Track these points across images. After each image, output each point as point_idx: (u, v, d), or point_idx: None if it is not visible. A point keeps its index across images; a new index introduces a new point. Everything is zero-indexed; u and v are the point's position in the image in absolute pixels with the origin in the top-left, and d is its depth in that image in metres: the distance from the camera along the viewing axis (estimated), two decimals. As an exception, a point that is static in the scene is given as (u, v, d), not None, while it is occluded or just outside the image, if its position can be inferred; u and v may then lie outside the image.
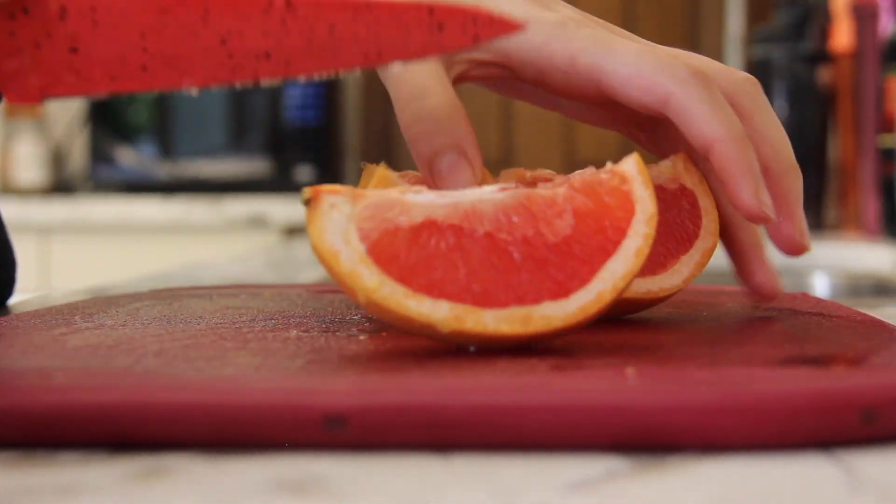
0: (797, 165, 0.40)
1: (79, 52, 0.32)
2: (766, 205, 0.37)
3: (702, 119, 0.37)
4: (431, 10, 0.31)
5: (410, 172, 0.42)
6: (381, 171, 0.40)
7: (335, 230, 0.31)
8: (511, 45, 0.40)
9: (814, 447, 0.26)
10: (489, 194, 0.33)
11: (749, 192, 0.36)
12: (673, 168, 0.42)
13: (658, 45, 0.40)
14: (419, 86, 0.39)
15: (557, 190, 0.34)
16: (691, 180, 0.41)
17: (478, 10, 0.31)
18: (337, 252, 0.31)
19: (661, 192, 0.40)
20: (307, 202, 0.32)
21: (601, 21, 0.42)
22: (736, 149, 0.36)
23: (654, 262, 0.40)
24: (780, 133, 0.40)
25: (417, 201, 0.33)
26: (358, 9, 0.31)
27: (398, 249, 0.32)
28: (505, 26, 0.32)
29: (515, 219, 0.33)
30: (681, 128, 0.38)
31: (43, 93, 0.33)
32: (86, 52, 0.32)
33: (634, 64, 0.38)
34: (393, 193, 0.33)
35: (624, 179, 0.34)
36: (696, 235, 0.41)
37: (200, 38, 0.32)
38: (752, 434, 0.26)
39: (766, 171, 0.38)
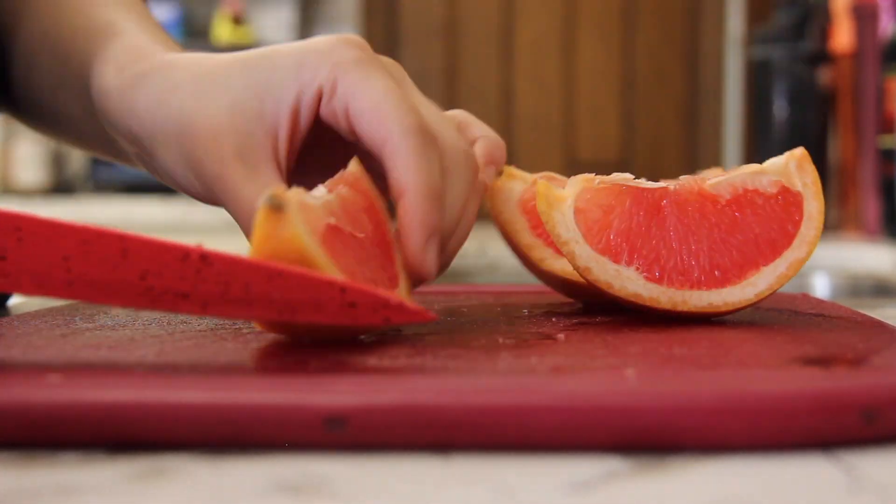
0: (464, 237, 0.41)
1: (6, 260, 0.33)
2: (428, 262, 0.38)
3: (404, 168, 0.38)
4: (343, 289, 0.32)
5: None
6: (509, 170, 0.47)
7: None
8: None
9: (814, 447, 0.26)
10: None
11: (416, 246, 0.37)
12: (784, 167, 0.40)
13: (427, 103, 0.41)
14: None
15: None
16: (802, 181, 0.40)
17: (388, 297, 0.33)
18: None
19: (754, 197, 0.40)
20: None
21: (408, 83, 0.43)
22: (421, 204, 0.37)
23: (725, 272, 0.39)
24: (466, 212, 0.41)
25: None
26: (272, 275, 0.32)
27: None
28: (415, 315, 0.33)
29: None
30: (386, 170, 0.38)
31: None
32: (13, 262, 0.33)
33: (378, 99, 0.39)
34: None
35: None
36: (786, 245, 0.40)
37: (120, 270, 0.33)
38: (752, 434, 0.26)
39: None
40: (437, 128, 0.40)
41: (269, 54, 0.41)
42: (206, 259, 0.32)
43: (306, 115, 0.40)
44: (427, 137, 0.38)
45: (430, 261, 0.38)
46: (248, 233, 0.39)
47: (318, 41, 0.41)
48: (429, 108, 0.41)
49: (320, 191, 0.37)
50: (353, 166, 0.40)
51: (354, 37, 0.41)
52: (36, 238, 0.33)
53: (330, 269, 0.33)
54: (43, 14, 0.53)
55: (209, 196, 0.42)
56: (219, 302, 0.33)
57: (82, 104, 0.49)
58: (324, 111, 0.40)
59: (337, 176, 0.39)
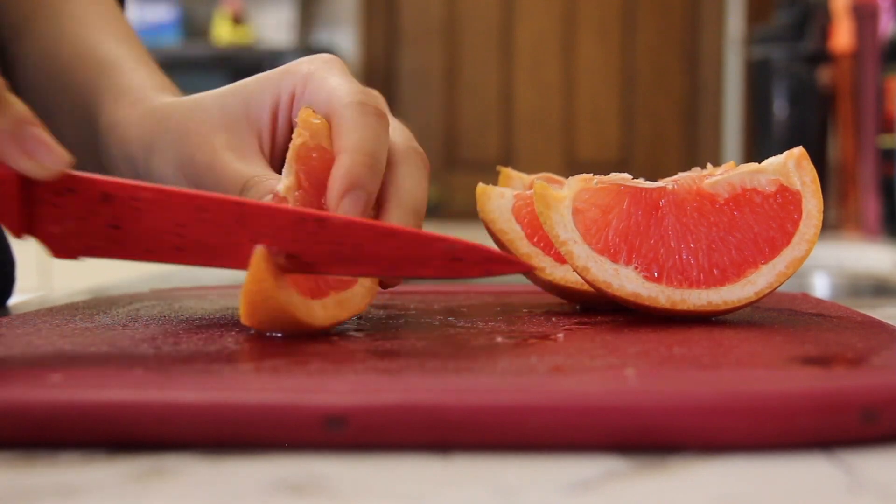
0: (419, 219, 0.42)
1: (120, 229, 0.35)
2: (335, 209, 0.39)
3: (345, 132, 0.40)
4: (451, 245, 0.35)
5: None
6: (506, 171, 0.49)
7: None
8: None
9: (814, 447, 0.26)
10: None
11: (335, 193, 0.39)
12: (783, 166, 0.40)
13: (383, 115, 0.43)
14: None
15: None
16: (801, 180, 0.40)
17: (491, 250, 0.35)
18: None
19: (752, 196, 0.40)
20: None
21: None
22: (351, 159, 0.39)
23: (724, 271, 0.39)
24: (412, 191, 0.42)
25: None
26: (384, 234, 0.35)
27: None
28: (516, 266, 0.36)
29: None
30: (333, 133, 0.41)
31: (83, 253, 0.36)
32: (126, 230, 0.35)
33: (334, 84, 0.42)
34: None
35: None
36: (785, 243, 0.40)
37: (233, 235, 0.35)
38: (752, 434, 0.26)
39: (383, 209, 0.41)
40: (395, 125, 0.44)
41: (256, 75, 0.46)
42: (321, 222, 0.35)
43: (284, 115, 0.44)
44: (371, 110, 0.41)
45: (343, 212, 0.39)
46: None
47: (300, 60, 0.45)
48: (395, 123, 0.44)
49: (284, 181, 0.39)
50: (300, 138, 0.41)
51: (337, 57, 0.45)
52: (152, 206, 0.35)
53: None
54: (44, 33, 0.56)
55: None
56: (326, 261, 0.35)
57: (75, 130, 0.52)
58: (295, 109, 0.44)
59: (289, 155, 0.40)
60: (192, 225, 0.35)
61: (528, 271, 0.36)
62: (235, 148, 0.44)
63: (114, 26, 0.56)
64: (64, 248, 0.36)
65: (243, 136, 0.44)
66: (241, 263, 0.34)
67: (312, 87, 0.43)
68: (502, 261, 0.35)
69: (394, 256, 0.35)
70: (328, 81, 0.43)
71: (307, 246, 0.34)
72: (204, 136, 0.44)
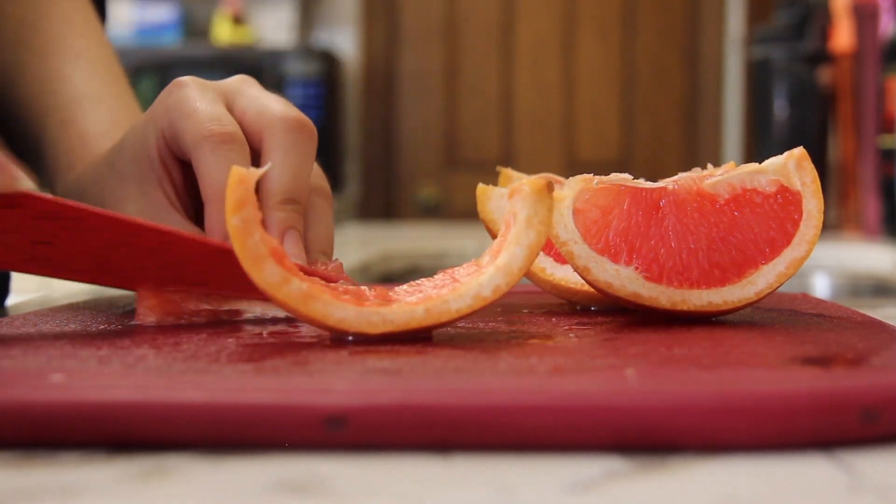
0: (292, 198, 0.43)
1: (51, 245, 0.38)
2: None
3: (201, 175, 0.42)
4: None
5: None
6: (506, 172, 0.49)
7: None
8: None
9: (814, 447, 0.26)
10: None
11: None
12: (783, 166, 0.40)
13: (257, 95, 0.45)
14: None
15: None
16: (801, 180, 0.40)
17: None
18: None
19: (752, 196, 0.40)
20: None
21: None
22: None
23: (724, 271, 0.39)
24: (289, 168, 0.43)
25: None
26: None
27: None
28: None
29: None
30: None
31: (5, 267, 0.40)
32: (55, 246, 0.38)
33: (187, 112, 0.43)
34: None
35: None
36: (786, 244, 0.40)
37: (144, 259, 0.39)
38: (752, 434, 0.26)
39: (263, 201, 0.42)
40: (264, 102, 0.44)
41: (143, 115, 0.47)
42: (227, 252, 0.36)
43: (166, 151, 0.45)
44: (221, 138, 0.42)
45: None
46: None
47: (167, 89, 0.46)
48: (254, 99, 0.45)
49: None
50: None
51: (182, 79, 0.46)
52: (71, 234, 0.38)
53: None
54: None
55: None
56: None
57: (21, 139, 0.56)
58: (171, 138, 0.45)
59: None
60: (112, 249, 0.38)
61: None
62: (144, 211, 0.45)
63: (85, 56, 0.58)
64: None
65: (149, 193, 0.45)
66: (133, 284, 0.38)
67: (242, 103, 0.44)
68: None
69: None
70: (180, 110, 0.43)
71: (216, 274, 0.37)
72: (118, 173, 0.46)
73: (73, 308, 0.46)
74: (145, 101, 0.49)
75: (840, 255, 1.26)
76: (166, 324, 0.40)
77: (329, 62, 2.42)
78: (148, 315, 0.40)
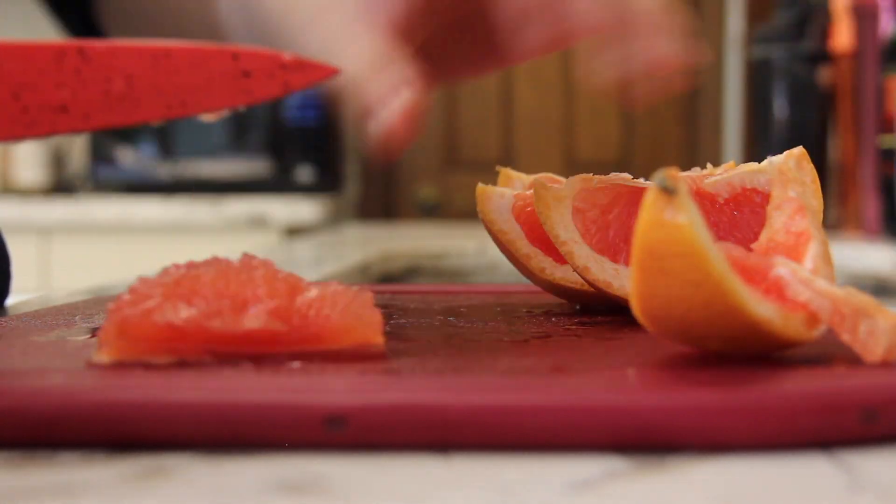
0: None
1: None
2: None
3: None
4: (236, 55, 0.30)
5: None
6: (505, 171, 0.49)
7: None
8: None
9: (814, 447, 0.26)
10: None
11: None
12: (784, 164, 0.39)
13: None
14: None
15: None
16: (801, 180, 0.39)
17: (281, 55, 0.30)
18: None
19: (752, 196, 0.40)
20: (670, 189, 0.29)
21: None
22: None
23: None
24: None
25: None
26: (156, 56, 0.30)
27: None
28: (317, 71, 0.30)
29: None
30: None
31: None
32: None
33: None
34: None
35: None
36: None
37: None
38: (752, 434, 0.26)
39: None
40: None
41: None
42: (83, 53, 0.30)
43: None
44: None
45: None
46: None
47: None
48: None
49: None
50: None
51: None
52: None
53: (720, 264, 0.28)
54: None
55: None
56: (101, 109, 0.30)
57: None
58: None
59: None
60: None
61: (331, 75, 0.30)
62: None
63: None
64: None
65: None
66: (5, 128, 0.30)
67: None
68: (298, 67, 0.30)
69: (174, 85, 0.29)
70: None
71: (73, 91, 0.30)
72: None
73: (73, 308, 0.46)
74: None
75: (840, 254, 1.26)
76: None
77: (329, 62, 2.42)
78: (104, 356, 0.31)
